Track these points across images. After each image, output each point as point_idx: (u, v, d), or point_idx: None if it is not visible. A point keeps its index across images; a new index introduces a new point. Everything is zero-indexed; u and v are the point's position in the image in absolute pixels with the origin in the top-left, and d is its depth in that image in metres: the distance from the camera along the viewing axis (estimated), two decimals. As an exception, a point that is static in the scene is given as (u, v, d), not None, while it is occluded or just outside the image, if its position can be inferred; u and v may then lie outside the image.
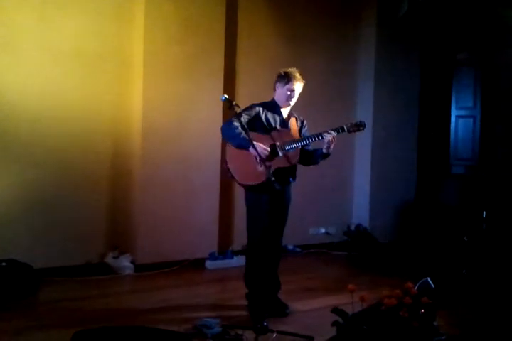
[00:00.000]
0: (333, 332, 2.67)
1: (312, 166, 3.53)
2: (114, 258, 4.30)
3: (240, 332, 2.88)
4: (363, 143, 5.69)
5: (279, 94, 3.40)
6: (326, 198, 5.52)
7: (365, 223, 5.55)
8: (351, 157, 5.76)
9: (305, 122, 3.55)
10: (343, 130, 3.27)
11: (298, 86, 3.37)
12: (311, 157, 3.41)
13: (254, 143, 3.10)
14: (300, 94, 3.41)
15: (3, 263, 3.61)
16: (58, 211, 4.12)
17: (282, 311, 3.36)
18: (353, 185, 5.79)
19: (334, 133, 3.24)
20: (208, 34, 4.64)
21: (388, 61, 5.72)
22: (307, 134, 3.46)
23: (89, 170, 4.26)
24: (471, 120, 6.15)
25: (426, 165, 6.05)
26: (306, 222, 5.36)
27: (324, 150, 3.30)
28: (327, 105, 5.43)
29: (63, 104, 4.13)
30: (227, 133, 3.28)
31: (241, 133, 3.20)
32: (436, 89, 6.11)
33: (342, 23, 5.60)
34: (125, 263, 4.29)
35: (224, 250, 4.73)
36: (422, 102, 6.03)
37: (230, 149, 3.32)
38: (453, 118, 6.23)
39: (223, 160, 3.40)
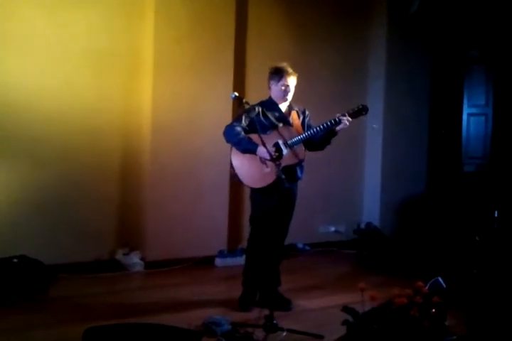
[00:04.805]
0: (343, 330, 2.66)
1: (315, 157, 3.56)
2: (124, 255, 4.32)
3: (249, 330, 2.87)
4: (374, 141, 5.66)
5: (275, 90, 3.41)
6: (336, 196, 5.50)
7: (375, 221, 5.52)
8: (362, 155, 5.73)
9: (307, 112, 3.53)
10: (345, 116, 3.22)
11: (292, 80, 3.37)
12: (324, 141, 3.39)
13: (259, 146, 3.17)
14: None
15: (15, 260, 3.64)
16: (69, 208, 4.14)
17: (285, 306, 3.38)
18: (363, 183, 5.76)
19: (349, 118, 3.20)
20: (217, 31, 4.63)
21: (399, 59, 5.67)
22: (311, 124, 3.47)
23: (99, 167, 4.27)
24: (483, 118, 6.09)
25: (437, 164, 6.00)
26: (316, 220, 5.34)
27: (338, 128, 3.26)
28: (336, 104, 5.37)
29: (73, 101, 4.14)
30: (232, 140, 3.34)
31: (245, 137, 3.28)
32: (447, 87, 6.05)
33: (352, 20, 5.56)
34: (135, 260, 4.30)
35: (233, 248, 4.73)
36: (434, 100, 5.98)
37: (234, 154, 3.36)
38: (465, 116, 6.17)
39: (230, 165, 3.42)
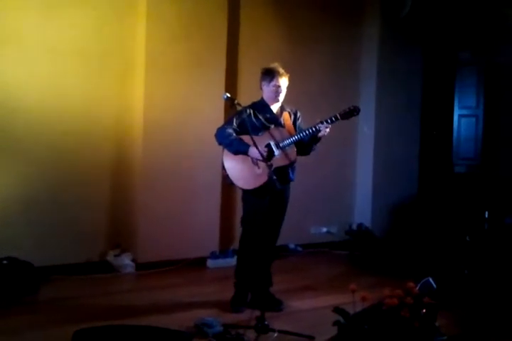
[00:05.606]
0: (334, 331, 2.66)
1: (307, 158, 3.55)
2: (115, 256, 4.30)
3: (241, 331, 2.87)
4: (366, 142, 5.68)
5: (266, 91, 3.42)
6: (327, 197, 5.51)
7: (367, 222, 5.53)
8: (353, 156, 5.75)
9: (298, 114, 3.54)
10: (337, 118, 3.24)
11: (283, 81, 3.38)
12: (307, 147, 3.42)
13: (251, 147, 3.17)
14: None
15: (4, 262, 3.62)
16: (59, 209, 4.11)
17: (277, 307, 3.39)
18: (355, 184, 5.78)
19: (329, 125, 3.23)
20: (209, 32, 4.63)
21: (391, 60, 5.70)
22: (302, 126, 3.47)
23: (91, 167, 4.25)
24: (474, 119, 6.13)
25: (429, 165, 6.03)
26: (308, 220, 5.35)
27: (319, 135, 3.29)
28: (329, 104, 5.38)
29: (64, 102, 4.12)
30: (223, 141, 3.35)
31: (236, 139, 3.30)
32: (438, 89, 6.09)
33: (345, 21, 5.58)
34: (126, 261, 4.28)
35: (225, 249, 4.72)
36: (425, 101, 6.01)
37: (226, 156, 3.37)
38: (455, 118, 6.21)
39: (222, 166, 3.42)
